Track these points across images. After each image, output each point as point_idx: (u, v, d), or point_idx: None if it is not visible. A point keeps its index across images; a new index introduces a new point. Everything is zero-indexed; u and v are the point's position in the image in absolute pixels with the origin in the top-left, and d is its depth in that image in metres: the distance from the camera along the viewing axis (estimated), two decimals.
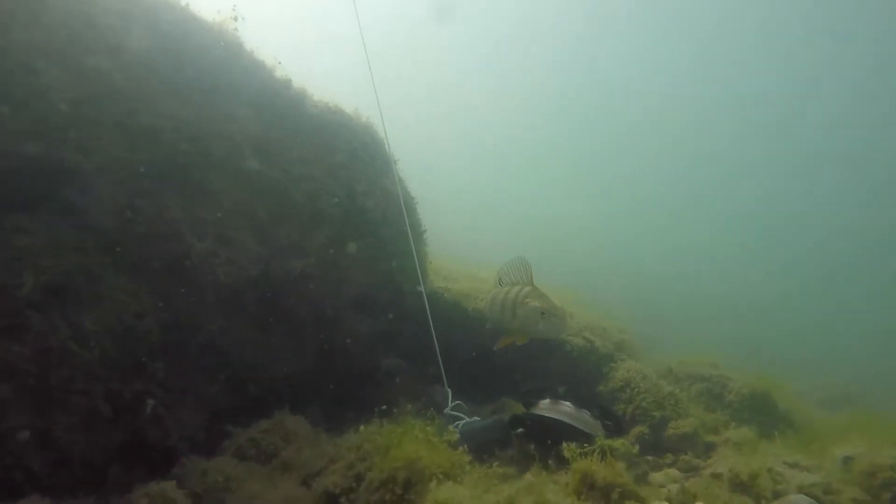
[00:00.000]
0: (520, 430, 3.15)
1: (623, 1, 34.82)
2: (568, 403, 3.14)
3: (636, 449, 3.12)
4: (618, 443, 2.40)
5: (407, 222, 4.36)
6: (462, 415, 3.44)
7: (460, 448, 2.43)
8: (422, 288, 4.20)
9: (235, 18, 3.89)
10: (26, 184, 2.80)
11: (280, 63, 4.21)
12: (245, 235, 3.72)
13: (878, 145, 33.37)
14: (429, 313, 4.08)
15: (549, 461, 2.71)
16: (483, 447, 2.86)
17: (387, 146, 4.69)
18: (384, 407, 2.80)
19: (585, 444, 2.32)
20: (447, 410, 3.58)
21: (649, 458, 3.72)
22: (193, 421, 3.34)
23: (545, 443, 2.92)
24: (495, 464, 2.24)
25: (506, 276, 3.81)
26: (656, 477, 3.27)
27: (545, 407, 3.15)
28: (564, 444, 2.31)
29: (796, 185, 34.18)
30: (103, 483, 2.80)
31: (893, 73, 31.84)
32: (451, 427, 3.34)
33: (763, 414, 4.63)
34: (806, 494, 2.46)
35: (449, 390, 3.83)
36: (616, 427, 3.14)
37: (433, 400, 3.78)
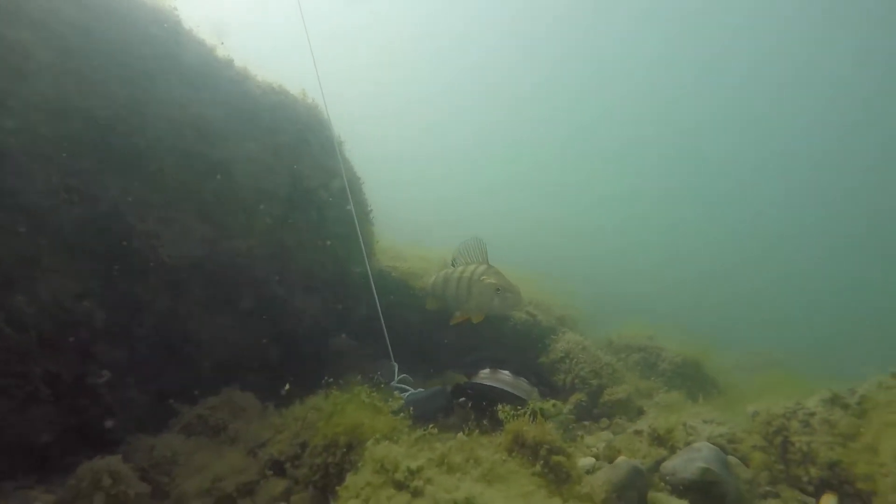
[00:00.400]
0: (461, 398, 3.30)
1: None
2: (506, 372, 3.31)
3: (566, 409, 3.32)
4: (548, 405, 2.57)
5: (351, 201, 4.41)
6: (407, 387, 3.57)
7: (402, 414, 2.55)
8: (367, 267, 4.27)
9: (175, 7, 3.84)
10: None
11: (222, 43, 4.18)
12: (189, 216, 3.71)
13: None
14: (374, 290, 4.17)
15: (485, 422, 2.89)
16: (427, 416, 3.00)
17: (331, 127, 4.71)
18: (330, 379, 2.89)
19: (519, 407, 2.47)
20: (393, 383, 3.69)
21: (586, 423, 3.96)
22: (139, 401, 3.34)
23: (485, 409, 3.08)
24: (430, 426, 2.37)
25: (461, 258, 3.93)
26: (590, 440, 3.50)
27: (485, 376, 3.31)
28: (499, 406, 2.46)
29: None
30: (44, 465, 2.79)
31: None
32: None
33: (693, 380, 4.96)
34: (712, 443, 2.72)
35: (396, 364, 3.95)
36: (551, 392, 3.33)
37: (379, 374, 3.88)
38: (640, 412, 4.13)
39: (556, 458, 2.15)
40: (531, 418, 2.29)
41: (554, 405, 2.59)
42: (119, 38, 3.46)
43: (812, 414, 2.72)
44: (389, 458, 1.71)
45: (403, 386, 3.59)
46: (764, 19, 33.60)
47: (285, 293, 4.34)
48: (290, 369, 4.47)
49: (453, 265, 4.03)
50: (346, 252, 4.70)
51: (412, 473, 1.68)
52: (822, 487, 2.59)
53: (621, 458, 2.71)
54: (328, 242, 4.62)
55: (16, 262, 2.90)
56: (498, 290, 3.54)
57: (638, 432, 2.99)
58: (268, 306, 4.21)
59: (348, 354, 4.91)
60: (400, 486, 1.65)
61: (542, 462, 2.10)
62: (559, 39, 37.01)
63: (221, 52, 4.14)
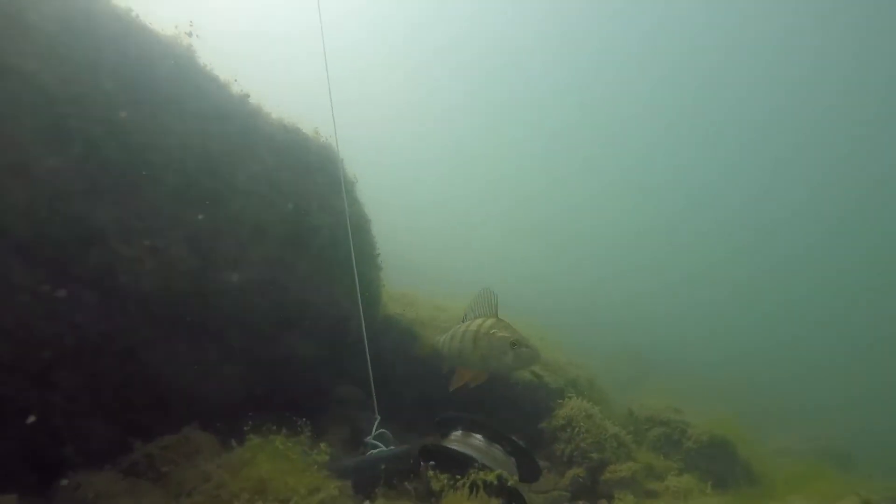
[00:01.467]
0: (430, 462, 2.98)
1: None
2: (479, 437, 2.98)
3: (562, 483, 2.92)
4: (491, 476, 2.23)
5: (351, 243, 4.28)
6: (380, 444, 3.28)
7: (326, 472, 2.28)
8: (360, 311, 4.08)
9: (190, 34, 3.94)
10: None
11: (236, 80, 4.25)
12: (178, 246, 3.66)
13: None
14: (364, 337, 3.97)
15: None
16: (378, 479, 2.70)
17: (342, 167, 4.67)
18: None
19: (458, 477, 2.15)
20: (368, 439, 3.42)
21: (580, 503, 3.51)
22: (99, 434, 3.21)
23: (453, 476, 2.75)
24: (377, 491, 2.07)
25: (471, 312, 3.71)
26: None
27: (455, 439, 2.99)
28: (430, 474, 2.15)
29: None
30: None
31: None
32: (365, 453, 3.20)
33: (721, 463, 4.40)
34: None
35: (378, 417, 3.68)
36: (530, 461, 2.96)
37: (357, 427, 3.63)
38: (650, 495, 3.64)
39: None
40: (472, 491, 1.97)
41: (499, 476, 2.24)
42: (128, 69, 3.55)
43: None
44: None
45: (375, 442, 3.31)
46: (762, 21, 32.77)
47: (276, 333, 4.19)
48: (275, 412, 4.29)
49: (464, 320, 3.79)
50: (346, 296, 4.53)
51: None
52: None
53: None
54: (330, 285, 4.49)
55: None
56: (514, 344, 3.24)
57: None
58: (256, 345, 4.08)
59: (350, 403, 4.68)
60: None
61: None
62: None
63: (237, 90, 4.21)
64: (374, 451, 3.18)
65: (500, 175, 36.33)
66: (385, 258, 5.30)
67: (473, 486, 2.03)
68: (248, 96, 4.25)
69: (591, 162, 38.19)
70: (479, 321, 3.48)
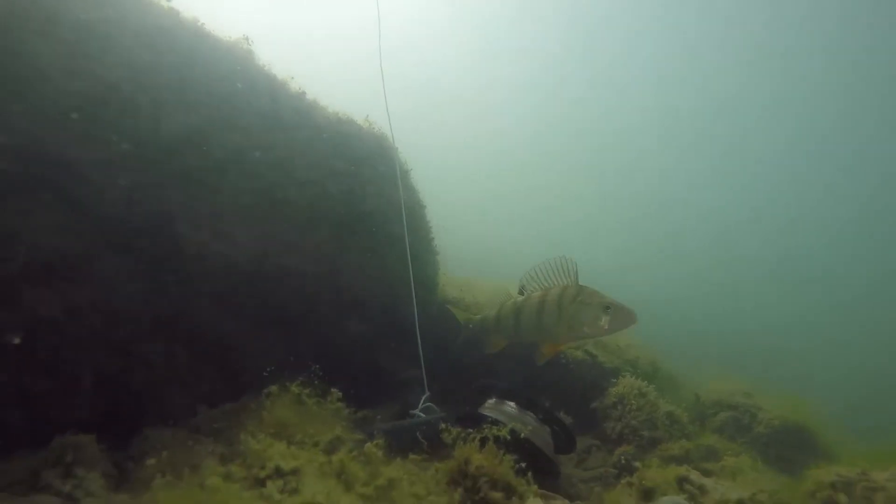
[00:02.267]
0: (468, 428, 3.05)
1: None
2: (512, 404, 3.00)
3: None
4: (504, 431, 2.25)
5: (405, 225, 4.44)
6: (419, 413, 3.40)
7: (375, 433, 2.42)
8: (412, 292, 4.23)
9: (247, 40, 4.28)
10: (31, 174, 3.22)
11: (293, 78, 4.55)
12: (241, 231, 3.99)
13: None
14: (416, 317, 4.11)
15: None
16: (412, 442, 2.80)
17: (396, 156, 4.85)
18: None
19: (470, 431, 2.21)
20: (413, 411, 3.55)
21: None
22: (173, 402, 3.57)
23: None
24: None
25: (534, 283, 3.60)
26: (610, 496, 2.99)
27: (489, 406, 3.04)
28: (443, 427, 2.22)
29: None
30: None
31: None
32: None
33: (796, 449, 4.10)
34: None
35: (428, 393, 3.80)
36: (563, 431, 2.95)
37: (406, 400, 3.77)
38: (704, 475, 3.47)
39: (493, 494, 1.86)
40: (481, 445, 2.03)
41: (511, 431, 2.27)
42: (195, 71, 3.91)
43: (876, 489, 2.06)
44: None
45: (416, 412, 3.43)
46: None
47: (334, 314, 4.43)
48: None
49: (521, 293, 3.76)
50: (401, 280, 4.70)
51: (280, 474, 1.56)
52: None
53: None
54: (385, 268, 4.68)
55: (77, 260, 3.30)
56: (608, 307, 3.14)
57: (629, 484, 2.49)
58: (315, 325, 4.34)
59: (413, 385, 4.85)
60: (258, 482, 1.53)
61: (471, 495, 1.83)
62: None
63: (294, 87, 4.51)
64: (413, 418, 3.30)
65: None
66: None
67: (484, 441, 2.09)
68: (304, 93, 4.53)
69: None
70: (555, 290, 3.35)
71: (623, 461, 3.53)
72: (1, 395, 2.92)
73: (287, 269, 4.16)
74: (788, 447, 4.11)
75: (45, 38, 3.29)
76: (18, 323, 3.03)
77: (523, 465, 2.22)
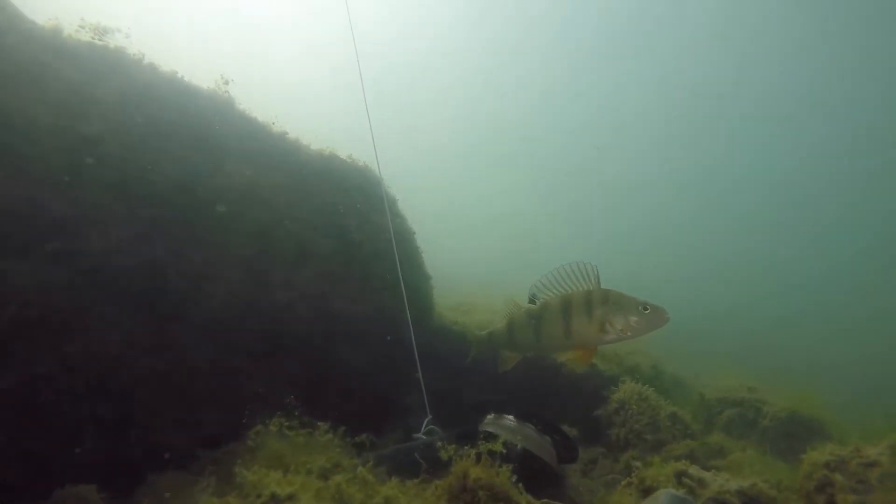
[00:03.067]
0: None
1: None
2: (510, 417, 3.01)
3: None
4: (497, 444, 2.25)
5: (396, 255, 4.49)
6: (421, 436, 3.40)
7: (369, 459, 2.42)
8: (407, 316, 4.25)
9: (226, 82, 4.39)
10: (21, 233, 3.28)
11: (274, 122, 4.66)
12: (230, 272, 4.04)
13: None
14: (413, 343, 4.13)
15: None
16: (415, 466, 2.80)
17: (381, 186, 4.93)
18: None
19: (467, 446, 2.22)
20: (415, 435, 3.55)
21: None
22: (174, 446, 3.57)
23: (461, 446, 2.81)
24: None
25: (550, 290, 3.37)
26: (612, 498, 2.98)
27: (488, 421, 3.05)
28: (439, 444, 2.24)
29: None
30: None
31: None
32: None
33: (805, 442, 4.06)
34: (720, 499, 2.15)
35: (430, 416, 3.80)
36: (564, 441, 2.95)
37: (407, 424, 3.77)
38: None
39: None
40: (476, 459, 2.04)
41: (505, 443, 2.28)
42: (178, 124, 4.02)
43: (871, 464, 2.06)
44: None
45: (419, 435, 3.43)
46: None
47: (330, 347, 4.45)
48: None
49: (532, 301, 3.56)
50: (394, 305, 4.74)
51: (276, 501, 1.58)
52: None
53: None
54: (377, 297, 4.72)
55: (71, 313, 3.35)
56: (646, 307, 2.93)
57: (629, 484, 2.49)
58: (312, 358, 4.35)
59: (416, 412, 4.84)
60: None
61: None
62: None
63: (276, 128, 4.62)
64: (413, 441, 3.30)
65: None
66: None
67: (479, 456, 2.09)
68: (286, 133, 4.64)
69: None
70: (577, 294, 3.10)
71: (627, 466, 3.51)
72: (1, 456, 2.93)
73: (280, 304, 4.20)
74: (797, 438, 4.07)
75: (32, 101, 3.41)
76: (14, 380, 3.07)
77: (524, 475, 2.22)
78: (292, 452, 2.18)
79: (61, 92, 3.55)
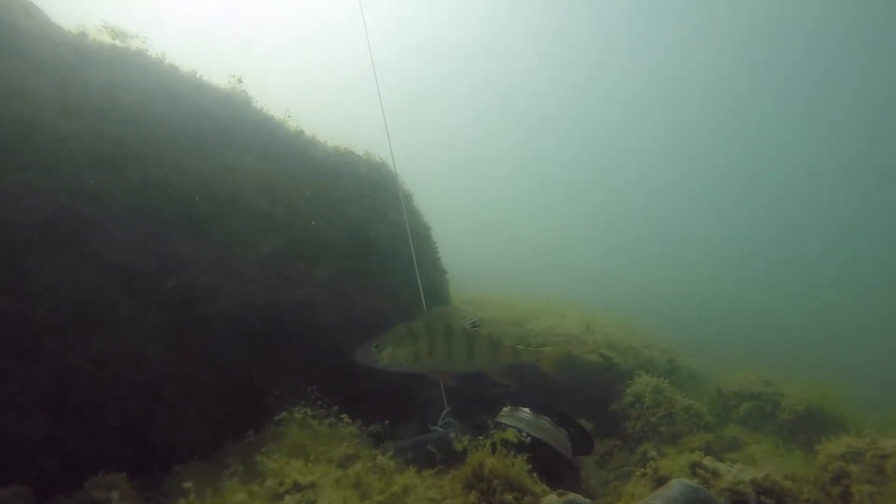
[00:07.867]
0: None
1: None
2: (526, 410, 3.05)
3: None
4: (510, 433, 2.29)
5: (412, 249, 4.54)
6: (438, 428, 3.45)
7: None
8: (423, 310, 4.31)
9: (240, 80, 4.47)
10: (53, 232, 3.39)
11: (290, 117, 4.73)
12: (251, 269, 4.12)
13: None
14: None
15: None
16: (430, 458, 2.85)
17: (396, 181, 4.98)
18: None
19: (481, 437, 2.26)
20: (432, 427, 3.60)
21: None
22: (199, 438, 3.67)
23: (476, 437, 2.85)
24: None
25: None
26: (626, 487, 3.00)
27: (504, 414, 3.09)
28: (453, 435, 2.28)
29: None
30: None
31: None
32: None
33: (822, 433, 4.04)
34: (735, 490, 2.16)
35: (448, 409, 3.86)
36: (579, 433, 2.98)
37: (424, 416, 3.83)
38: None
39: (507, 496, 1.92)
40: (492, 449, 2.09)
41: (515, 435, 2.32)
42: (197, 122, 4.10)
43: (886, 455, 2.07)
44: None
45: (435, 428, 3.48)
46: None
47: (348, 341, 4.52)
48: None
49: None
50: (410, 300, 4.79)
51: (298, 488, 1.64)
52: None
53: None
54: (394, 291, 4.78)
55: (100, 309, 3.45)
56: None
57: (644, 475, 2.52)
58: (331, 353, 4.42)
59: (434, 405, 4.90)
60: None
61: (486, 497, 1.89)
62: None
63: (292, 125, 4.69)
64: (430, 434, 3.35)
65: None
66: None
67: (494, 446, 2.14)
68: (302, 131, 4.72)
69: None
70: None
71: (643, 458, 3.53)
72: (37, 446, 3.04)
73: (299, 300, 4.27)
74: (815, 431, 4.05)
75: (58, 103, 3.51)
76: (46, 374, 3.18)
77: (539, 466, 2.27)
78: (313, 442, 2.24)
79: (87, 94, 3.66)
